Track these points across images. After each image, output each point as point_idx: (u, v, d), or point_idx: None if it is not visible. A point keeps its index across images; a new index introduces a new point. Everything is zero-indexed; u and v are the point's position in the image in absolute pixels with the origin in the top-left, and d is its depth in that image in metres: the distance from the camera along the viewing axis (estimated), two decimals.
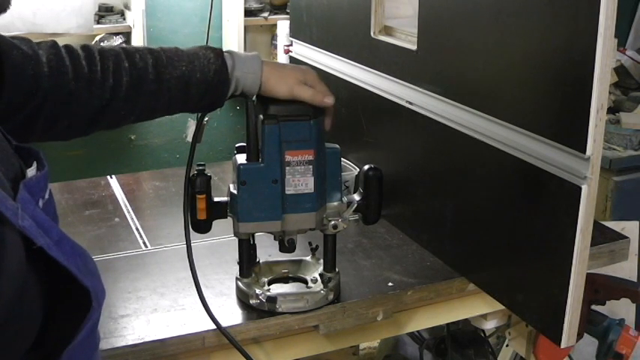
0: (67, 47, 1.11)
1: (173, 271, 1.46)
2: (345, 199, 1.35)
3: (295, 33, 2.08)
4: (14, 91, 1.01)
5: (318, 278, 1.37)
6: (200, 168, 1.28)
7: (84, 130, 1.16)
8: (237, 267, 1.37)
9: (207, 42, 2.84)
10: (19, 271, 0.66)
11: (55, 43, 1.10)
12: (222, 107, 1.26)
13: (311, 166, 1.26)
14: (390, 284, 1.44)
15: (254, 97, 1.26)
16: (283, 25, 3.14)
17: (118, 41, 3.06)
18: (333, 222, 1.32)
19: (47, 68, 1.06)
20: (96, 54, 1.12)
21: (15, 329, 0.67)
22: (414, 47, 1.53)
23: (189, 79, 1.17)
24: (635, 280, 2.43)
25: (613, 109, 2.92)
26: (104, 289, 0.78)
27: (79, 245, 0.76)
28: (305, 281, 1.38)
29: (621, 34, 3.52)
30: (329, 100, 1.25)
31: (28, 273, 0.68)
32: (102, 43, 3.03)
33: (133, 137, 3.35)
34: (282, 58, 3.17)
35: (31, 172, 0.74)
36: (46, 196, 0.75)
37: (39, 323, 0.71)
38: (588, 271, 1.21)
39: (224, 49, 1.22)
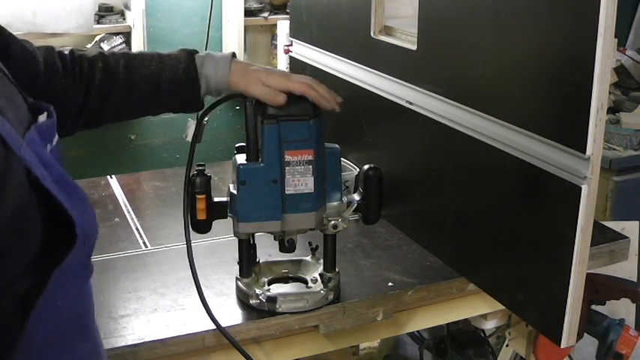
0: (59, 51, 1.23)
1: (173, 271, 1.46)
2: (345, 199, 1.35)
3: (295, 33, 2.08)
4: (15, 77, 1.09)
5: (318, 278, 1.37)
6: (200, 168, 1.28)
7: (70, 128, 1.25)
8: (237, 267, 1.37)
9: (207, 42, 2.85)
10: (21, 188, 0.78)
11: (50, 46, 1.22)
12: (201, 108, 1.30)
13: (311, 166, 1.26)
14: (390, 284, 1.44)
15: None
16: (283, 25, 3.14)
17: (118, 41, 3.05)
18: (333, 222, 1.32)
19: (43, 66, 1.17)
20: (76, 56, 1.23)
21: (19, 236, 0.79)
22: (414, 47, 1.53)
23: (159, 78, 1.24)
24: (635, 280, 2.43)
25: (613, 109, 2.92)
26: (97, 228, 0.88)
27: (80, 189, 0.86)
28: (305, 281, 1.38)
29: (621, 34, 3.52)
30: (280, 99, 1.24)
31: (29, 195, 0.79)
32: (102, 43, 3.04)
33: (133, 137, 3.35)
34: (282, 58, 3.17)
35: (42, 118, 0.87)
36: (54, 143, 0.87)
37: (38, 240, 0.81)
38: (588, 271, 1.21)
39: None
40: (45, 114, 0.89)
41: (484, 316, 1.58)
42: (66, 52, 1.23)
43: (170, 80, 1.24)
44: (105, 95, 1.23)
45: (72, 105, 1.22)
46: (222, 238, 1.54)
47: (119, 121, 1.34)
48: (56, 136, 0.89)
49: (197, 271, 1.27)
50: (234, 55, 1.30)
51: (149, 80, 1.24)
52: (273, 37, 3.39)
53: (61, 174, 0.84)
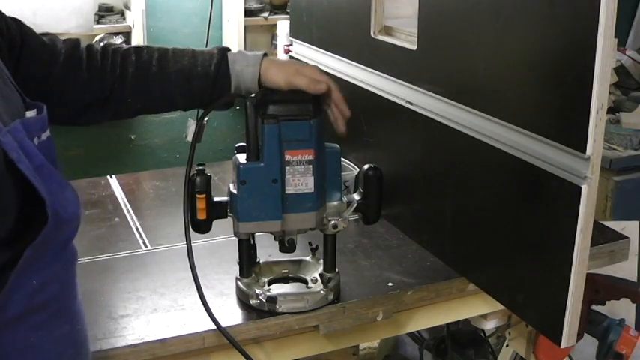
0: (88, 46, 1.27)
1: (173, 271, 1.46)
2: (345, 198, 1.35)
3: (295, 33, 2.08)
4: (30, 69, 1.18)
5: (318, 278, 1.37)
6: (200, 168, 1.28)
7: (96, 117, 1.28)
8: (237, 267, 1.37)
9: (207, 42, 2.85)
10: None
11: (78, 41, 1.27)
12: (231, 105, 1.31)
13: (311, 166, 1.26)
14: (390, 284, 1.44)
15: (253, 97, 1.27)
16: (283, 25, 3.13)
17: (118, 41, 3.05)
18: (333, 222, 1.32)
19: (63, 58, 1.22)
20: (109, 50, 1.27)
21: None
22: (414, 47, 1.53)
23: (190, 72, 1.25)
24: (635, 280, 2.44)
25: (613, 109, 2.92)
26: (77, 215, 0.94)
27: (62, 179, 0.92)
28: (305, 281, 1.38)
29: (621, 34, 3.52)
30: (321, 87, 1.26)
31: (5, 175, 0.86)
32: (102, 44, 3.03)
33: (133, 137, 3.34)
34: (282, 58, 3.17)
35: (30, 114, 0.94)
36: (43, 138, 0.93)
37: (12, 217, 0.88)
38: (588, 271, 1.21)
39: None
40: (34, 111, 0.95)
41: (484, 316, 1.58)
42: (97, 47, 1.27)
43: (202, 75, 1.25)
44: (137, 88, 1.25)
45: (96, 96, 1.24)
46: (222, 238, 1.54)
47: (150, 114, 1.38)
48: (46, 133, 0.94)
49: (197, 271, 1.27)
50: (265, 54, 1.30)
51: (181, 75, 1.25)
52: (273, 37, 3.39)
53: (42, 163, 0.90)
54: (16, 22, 1.20)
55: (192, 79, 1.25)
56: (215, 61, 1.26)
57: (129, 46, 1.29)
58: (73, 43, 1.26)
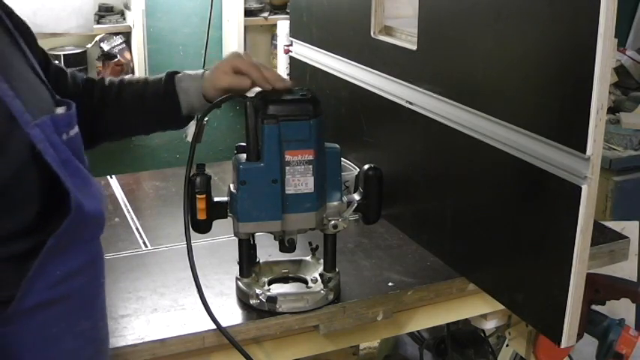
0: (74, 73, 1.39)
1: (173, 271, 1.46)
2: (345, 198, 1.35)
3: (295, 33, 2.08)
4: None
5: (318, 278, 1.37)
6: (200, 168, 1.28)
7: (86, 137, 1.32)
8: (237, 267, 1.37)
9: (207, 42, 2.85)
10: (21, 155, 0.92)
11: (74, 71, 1.40)
12: (185, 124, 1.38)
13: (311, 166, 1.26)
14: (390, 284, 1.44)
15: (253, 97, 1.27)
16: (283, 25, 3.13)
17: (117, 41, 3.05)
18: (333, 222, 1.32)
19: (71, 82, 1.34)
20: (87, 77, 1.39)
21: (17, 198, 0.93)
22: (414, 47, 1.53)
23: (144, 94, 1.36)
24: (635, 280, 2.43)
25: (613, 109, 2.92)
26: (102, 212, 1.00)
27: (87, 174, 0.98)
28: (305, 281, 1.38)
29: (621, 34, 3.52)
30: (245, 83, 1.29)
31: (30, 165, 0.92)
32: (102, 43, 3.04)
33: (133, 137, 3.34)
34: (282, 58, 3.17)
35: (59, 110, 1.00)
36: (71, 134, 0.98)
37: (34, 207, 0.95)
38: (588, 271, 1.21)
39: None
40: (64, 107, 1.01)
41: (484, 316, 1.58)
42: (78, 74, 1.39)
43: (152, 96, 1.35)
44: (98, 112, 1.35)
45: (86, 116, 1.31)
46: (222, 238, 1.54)
47: (112, 141, 1.48)
48: (75, 129, 1.00)
49: (197, 271, 1.27)
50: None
51: (135, 96, 1.36)
52: (273, 37, 3.39)
53: (69, 158, 0.95)
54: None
55: (145, 100, 1.35)
56: (163, 81, 1.35)
57: (100, 77, 1.40)
58: (72, 70, 1.38)
